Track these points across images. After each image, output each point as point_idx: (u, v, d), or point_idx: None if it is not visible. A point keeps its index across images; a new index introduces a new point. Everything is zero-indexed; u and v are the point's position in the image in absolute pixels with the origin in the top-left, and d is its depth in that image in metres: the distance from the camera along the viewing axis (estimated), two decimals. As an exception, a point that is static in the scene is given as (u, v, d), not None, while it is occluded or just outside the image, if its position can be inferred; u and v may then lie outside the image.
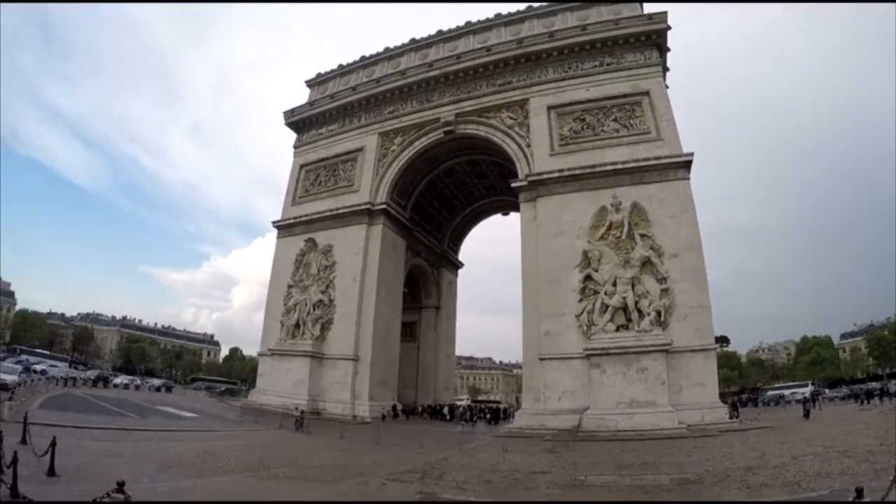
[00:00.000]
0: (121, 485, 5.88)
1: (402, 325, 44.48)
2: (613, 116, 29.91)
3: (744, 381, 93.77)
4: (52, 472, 9.18)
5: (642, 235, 27.05)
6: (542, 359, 27.76)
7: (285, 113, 41.80)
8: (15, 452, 7.91)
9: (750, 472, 11.90)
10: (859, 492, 5.12)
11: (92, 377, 47.33)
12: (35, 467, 9.27)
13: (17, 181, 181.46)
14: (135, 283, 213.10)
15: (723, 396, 29.38)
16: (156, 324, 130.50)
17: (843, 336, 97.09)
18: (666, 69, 32.09)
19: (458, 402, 46.24)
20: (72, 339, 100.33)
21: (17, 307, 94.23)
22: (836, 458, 12.55)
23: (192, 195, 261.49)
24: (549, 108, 31.52)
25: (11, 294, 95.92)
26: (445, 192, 43.62)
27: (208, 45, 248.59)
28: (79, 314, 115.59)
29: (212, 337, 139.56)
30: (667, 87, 33.74)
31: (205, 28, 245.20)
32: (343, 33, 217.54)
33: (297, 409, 26.38)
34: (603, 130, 29.93)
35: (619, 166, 28.41)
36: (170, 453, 14.98)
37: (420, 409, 37.62)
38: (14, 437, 11.29)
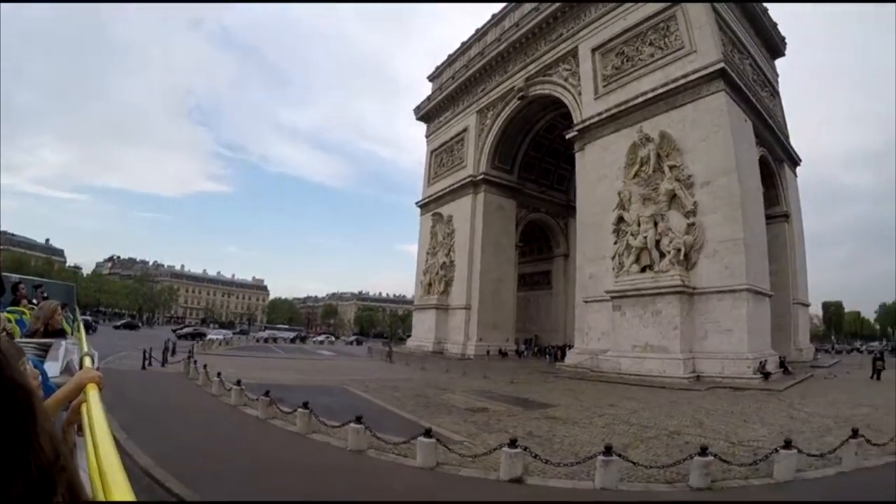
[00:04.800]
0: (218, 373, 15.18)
1: (539, 273, 48.76)
2: (649, 40, 27.37)
3: None
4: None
5: (671, 167, 25.03)
6: (585, 301, 28.94)
7: (414, 110, 50.35)
8: (150, 350, 19.20)
9: (564, 425, 11.39)
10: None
11: (291, 336, 61.21)
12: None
13: (272, 195, 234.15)
14: (393, 261, 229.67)
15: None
16: (387, 294, 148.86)
17: None
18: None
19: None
20: (321, 314, 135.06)
21: (271, 297, 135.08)
22: (687, 443, 9.36)
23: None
24: (593, 50, 30.62)
25: (265, 288, 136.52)
26: (556, 147, 44.44)
27: (410, 39, 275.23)
28: (327, 294, 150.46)
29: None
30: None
31: (403, 26, 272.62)
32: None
33: (388, 346, 35.53)
34: (640, 59, 27.79)
35: (650, 94, 26.39)
36: (260, 364, 25.53)
37: (525, 348, 41.59)
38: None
